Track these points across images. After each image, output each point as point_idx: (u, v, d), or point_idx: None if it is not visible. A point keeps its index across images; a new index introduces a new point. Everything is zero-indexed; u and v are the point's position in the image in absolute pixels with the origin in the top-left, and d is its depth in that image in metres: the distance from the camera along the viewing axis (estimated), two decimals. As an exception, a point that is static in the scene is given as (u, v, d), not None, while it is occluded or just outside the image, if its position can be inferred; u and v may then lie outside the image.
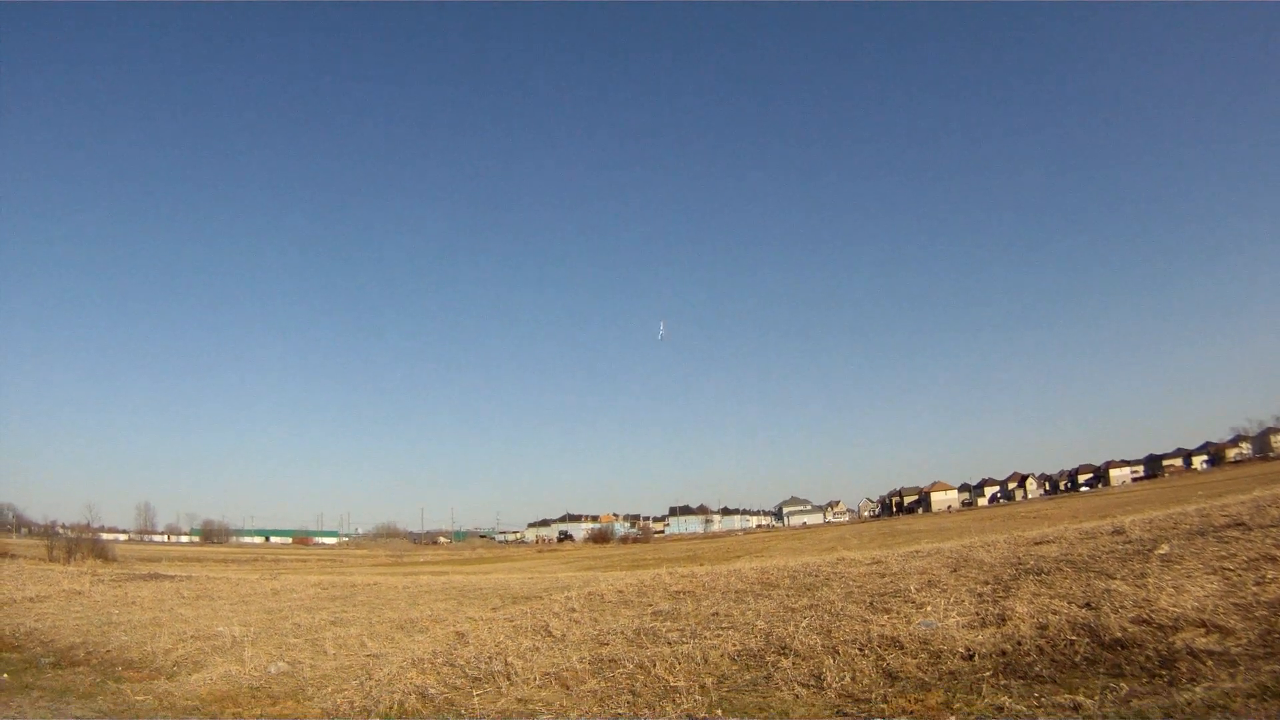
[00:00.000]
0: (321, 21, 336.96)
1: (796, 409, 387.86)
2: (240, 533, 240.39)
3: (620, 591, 20.21)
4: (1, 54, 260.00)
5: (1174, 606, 10.00)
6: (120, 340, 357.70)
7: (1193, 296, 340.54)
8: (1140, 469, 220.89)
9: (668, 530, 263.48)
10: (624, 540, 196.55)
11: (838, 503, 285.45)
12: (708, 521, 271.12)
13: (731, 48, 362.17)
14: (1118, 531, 17.81)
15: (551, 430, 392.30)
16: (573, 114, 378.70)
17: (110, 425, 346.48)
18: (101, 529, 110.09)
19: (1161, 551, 13.52)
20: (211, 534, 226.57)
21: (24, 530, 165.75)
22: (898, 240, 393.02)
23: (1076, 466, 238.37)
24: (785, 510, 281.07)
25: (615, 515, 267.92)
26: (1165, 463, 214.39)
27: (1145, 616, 9.90)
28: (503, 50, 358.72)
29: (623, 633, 14.68)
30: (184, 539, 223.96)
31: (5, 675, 16.84)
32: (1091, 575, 12.66)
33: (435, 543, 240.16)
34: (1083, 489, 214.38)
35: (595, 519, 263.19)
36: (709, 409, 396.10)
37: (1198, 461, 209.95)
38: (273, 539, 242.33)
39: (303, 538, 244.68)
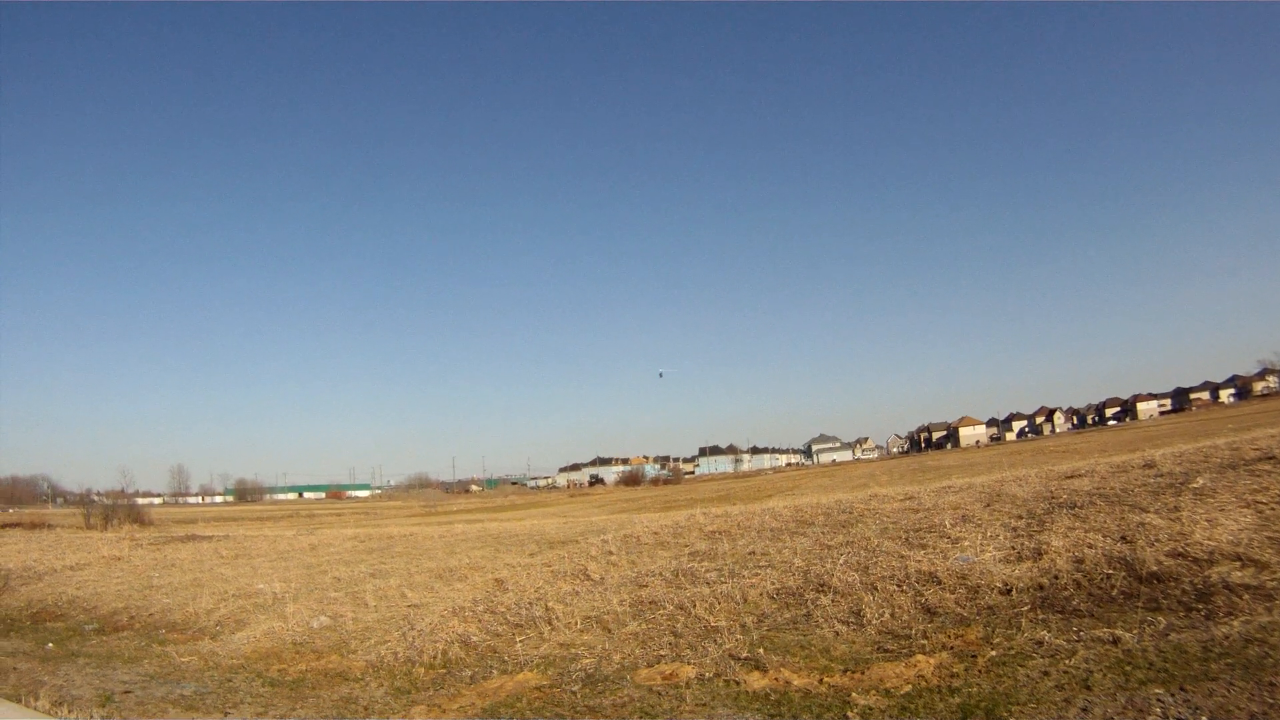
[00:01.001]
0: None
1: (822, 346, 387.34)
2: (273, 490, 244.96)
3: (655, 533, 20.38)
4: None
5: (1209, 540, 10.08)
6: (144, 304, 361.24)
7: (1218, 229, 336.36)
8: (1167, 402, 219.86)
9: (698, 471, 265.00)
10: (655, 482, 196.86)
11: (866, 439, 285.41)
12: (737, 461, 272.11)
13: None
14: (1148, 465, 17.82)
15: (579, 373, 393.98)
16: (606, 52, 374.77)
17: (140, 390, 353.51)
18: (136, 494, 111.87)
19: (1194, 485, 13.55)
20: (245, 493, 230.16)
21: (60, 500, 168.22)
22: (923, 174, 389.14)
23: (1104, 400, 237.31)
24: (814, 448, 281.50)
25: (645, 457, 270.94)
26: (1192, 396, 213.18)
27: (1180, 550, 9.98)
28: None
29: (661, 574, 14.87)
30: (218, 499, 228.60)
31: (51, 644, 17.21)
32: (1125, 509, 12.71)
33: (467, 491, 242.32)
34: (1110, 423, 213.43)
35: (625, 461, 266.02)
36: (736, 347, 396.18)
37: (1224, 395, 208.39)
38: (306, 494, 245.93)
39: (336, 492, 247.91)
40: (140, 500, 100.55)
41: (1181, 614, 8.52)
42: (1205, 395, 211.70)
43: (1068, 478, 18.44)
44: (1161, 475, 15.61)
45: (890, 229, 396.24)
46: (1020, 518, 13.87)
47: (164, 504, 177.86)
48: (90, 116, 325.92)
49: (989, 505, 15.89)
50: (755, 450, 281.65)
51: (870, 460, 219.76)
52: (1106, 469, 18.89)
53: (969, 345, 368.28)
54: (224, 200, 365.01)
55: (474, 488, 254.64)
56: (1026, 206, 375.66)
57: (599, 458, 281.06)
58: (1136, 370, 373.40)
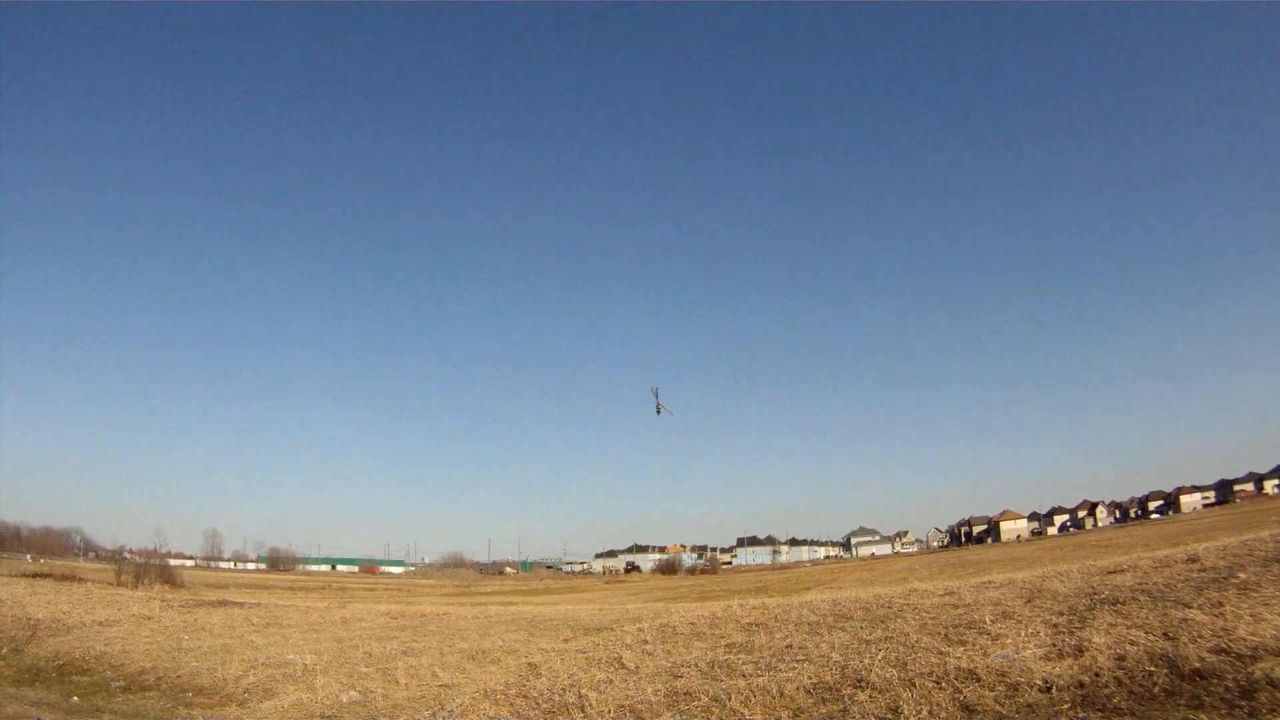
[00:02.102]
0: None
1: (862, 439, 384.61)
2: (307, 560, 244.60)
3: (692, 623, 20.28)
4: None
5: (1252, 635, 9.96)
6: (186, 368, 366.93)
7: (1259, 318, 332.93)
8: (1211, 494, 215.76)
9: (735, 561, 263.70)
10: (691, 571, 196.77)
11: (906, 533, 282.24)
12: (775, 552, 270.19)
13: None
14: (1192, 559, 17.61)
15: (618, 460, 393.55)
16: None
17: (178, 451, 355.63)
18: (169, 554, 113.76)
19: (1238, 579, 13.40)
20: (278, 561, 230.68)
21: (91, 554, 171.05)
22: (959, 272, 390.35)
23: (1146, 493, 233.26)
24: (853, 541, 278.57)
25: (683, 546, 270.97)
26: (1236, 487, 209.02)
27: (1224, 646, 9.86)
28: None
29: (696, 665, 14.79)
30: (250, 566, 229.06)
31: (76, 698, 17.31)
32: (1168, 604, 12.58)
33: (502, 573, 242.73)
34: (1153, 516, 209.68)
35: (662, 550, 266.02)
36: (775, 439, 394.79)
37: (1270, 485, 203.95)
38: (339, 567, 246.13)
39: (369, 566, 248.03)
40: (172, 561, 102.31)
41: (1224, 711, 8.41)
42: (1250, 486, 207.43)
43: (1110, 573, 18.25)
44: (1205, 570, 15.44)
45: (931, 324, 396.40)
46: (1061, 614, 13.73)
47: (196, 567, 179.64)
48: (136, 146, 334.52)
49: (1030, 601, 15.73)
50: (794, 542, 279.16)
51: (910, 554, 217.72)
52: (1149, 564, 18.68)
53: (1010, 439, 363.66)
54: (263, 274, 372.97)
55: (509, 570, 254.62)
56: (1068, 300, 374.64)
57: (636, 545, 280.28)
58: (1179, 462, 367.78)
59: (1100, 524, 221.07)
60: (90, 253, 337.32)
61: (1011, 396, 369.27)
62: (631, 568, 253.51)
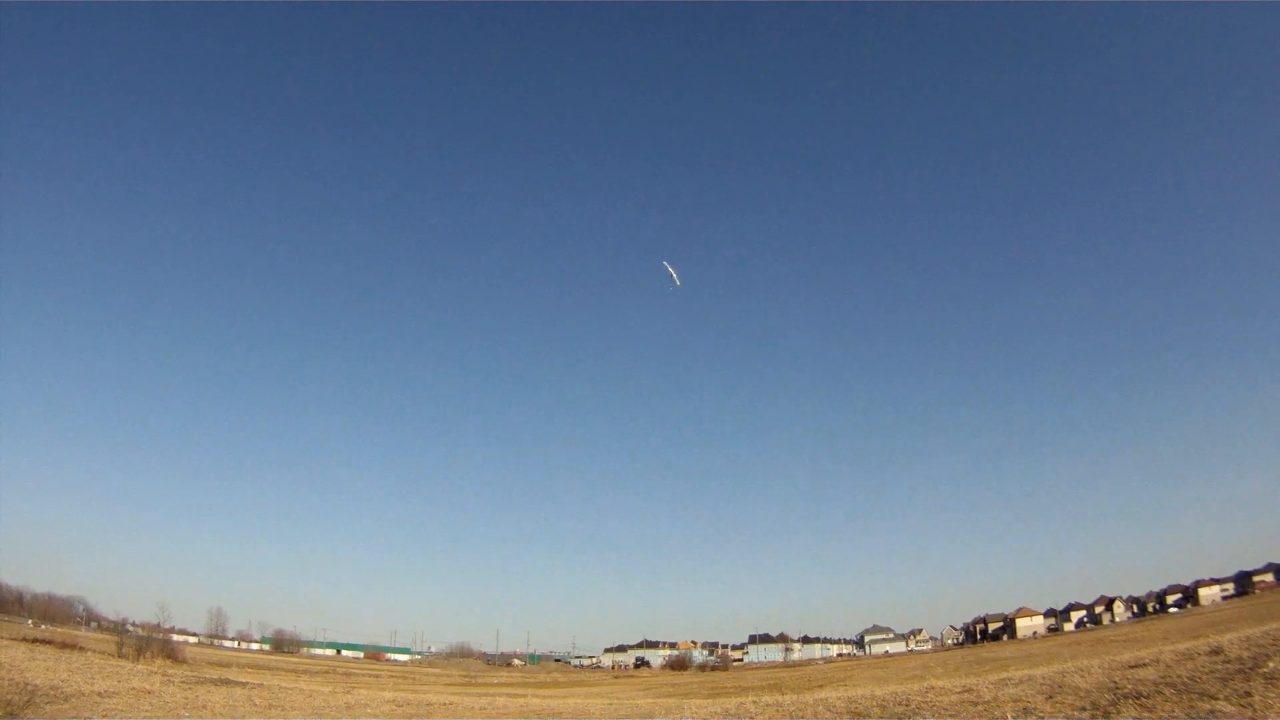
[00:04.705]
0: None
1: (875, 536, 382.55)
2: (311, 644, 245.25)
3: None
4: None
5: (1283, 725, 9.75)
6: (201, 450, 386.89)
7: (1272, 410, 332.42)
8: (1230, 586, 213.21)
9: (747, 658, 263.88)
10: (703, 667, 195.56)
11: (920, 631, 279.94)
12: (788, 650, 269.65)
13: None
14: (1215, 651, 17.32)
15: (629, 556, 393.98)
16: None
17: (187, 528, 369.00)
18: (172, 630, 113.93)
19: (1264, 670, 13.16)
20: (282, 643, 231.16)
21: (94, 624, 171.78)
22: (976, 371, 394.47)
23: (1165, 587, 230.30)
24: (867, 638, 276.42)
25: (693, 643, 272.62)
26: (1256, 579, 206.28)
27: (1253, 736, 9.65)
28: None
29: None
30: (254, 646, 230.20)
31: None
32: (1193, 696, 12.34)
33: (509, 664, 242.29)
34: (1172, 610, 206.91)
35: (673, 646, 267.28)
36: (787, 536, 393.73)
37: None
38: (344, 652, 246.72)
39: (375, 653, 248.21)
40: (175, 637, 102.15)
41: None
42: (1270, 577, 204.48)
43: (1131, 667, 17.96)
44: (1229, 661, 15.18)
45: (946, 423, 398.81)
46: (1084, 709, 13.47)
47: (199, 644, 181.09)
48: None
49: (1051, 697, 15.45)
50: (806, 640, 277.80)
51: (924, 652, 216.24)
52: (1171, 657, 18.39)
53: (1025, 535, 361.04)
54: (280, 361, 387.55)
55: (516, 662, 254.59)
56: (1081, 395, 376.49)
57: (646, 640, 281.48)
58: (1197, 555, 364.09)
59: (1118, 619, 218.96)
60: (117, 332, 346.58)
61: (1026, 492, 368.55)
62: (641, 663, 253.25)
